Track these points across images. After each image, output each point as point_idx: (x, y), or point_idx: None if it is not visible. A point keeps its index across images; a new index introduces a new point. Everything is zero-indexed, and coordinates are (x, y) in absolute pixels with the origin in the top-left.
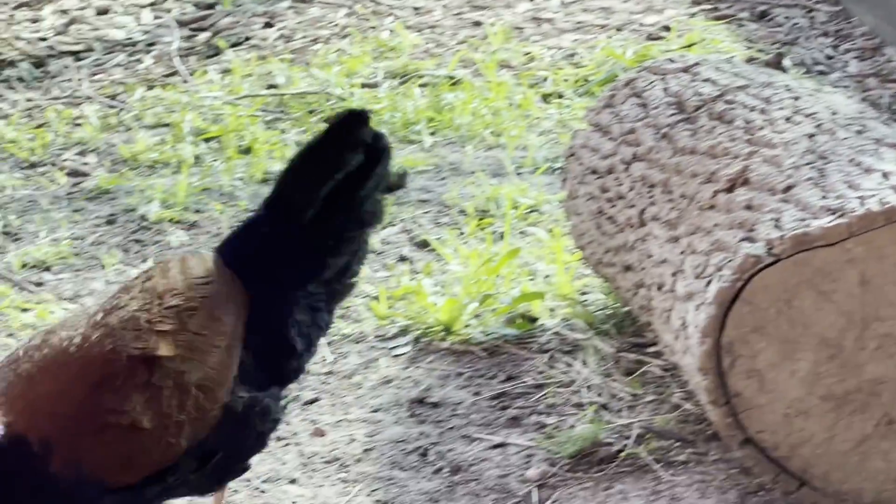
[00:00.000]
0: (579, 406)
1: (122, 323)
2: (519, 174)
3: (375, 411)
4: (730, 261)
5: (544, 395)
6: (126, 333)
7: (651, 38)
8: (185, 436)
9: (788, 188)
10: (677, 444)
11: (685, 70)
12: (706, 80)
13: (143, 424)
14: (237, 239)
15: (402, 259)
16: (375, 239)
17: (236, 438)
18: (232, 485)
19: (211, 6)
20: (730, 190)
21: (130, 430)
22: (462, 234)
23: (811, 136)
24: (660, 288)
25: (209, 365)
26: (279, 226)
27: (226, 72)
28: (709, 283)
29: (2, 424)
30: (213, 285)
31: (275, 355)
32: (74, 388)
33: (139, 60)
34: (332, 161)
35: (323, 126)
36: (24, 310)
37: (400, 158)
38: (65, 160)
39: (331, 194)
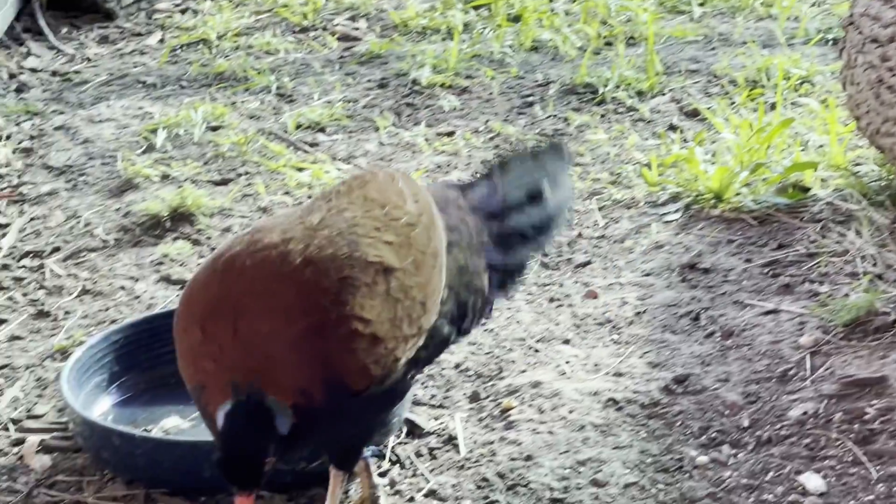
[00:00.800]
0: (853, 275)
1: (351, 228)
2: (790, 45)
3: (647, 275)
4: None
5: (817, 263)
6: (359, 239)
7: None
8: (405, 351)
9: None
10: None
11: None
12: None
13: (381, 335)
14: (445, 185)
15: (672, 128)
16: (645, 109)
17: (426, 361)
18: (507, 344)
19: None
20: None
21: (372, 339)
22: (733, 103)
23: None
24: None
25: (428, 283)
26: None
27: None
28: None
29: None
30: (427, 205)
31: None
32: (315, 291)
33: None
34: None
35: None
36: (300, 169)
37: (669, 28)
38: (336, 25)
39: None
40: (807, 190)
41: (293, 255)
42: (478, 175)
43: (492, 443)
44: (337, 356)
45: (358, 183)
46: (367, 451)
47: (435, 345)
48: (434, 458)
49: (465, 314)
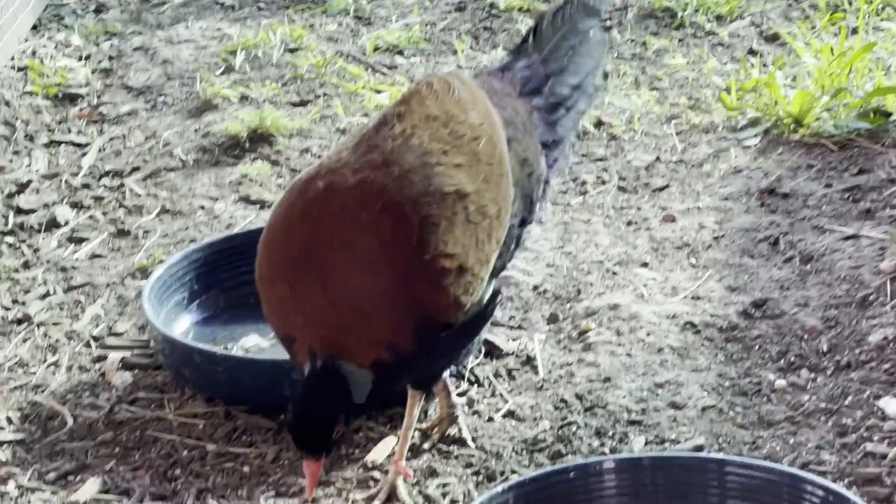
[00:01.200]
0: None
1: (421, 158)
2: None
3: (725, 200)
4: None
5: None
6: (431, 171)
7: None
8: (489, 269)
9: None
10: None
11: None
12: None
13: (468, 264)
14: (490, 74)
15: (752, 52)
16: (724, 33)
17: (501, 269)
18: (585, 266)
19: None
20: None
21: (459, 271)
22: (814, 28)
23: None
24: None
25: (498, 193)
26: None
27: None
28: None
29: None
30: (486, 109)
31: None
32: (398, 238)
33: None
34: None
35: None
36: (378, 91)
37: None
38: None
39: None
40: (888, 115)
41: (371, 201)
42: (513, 51)
43: (570, 364)
44: (429, 298)
45: (417, 101)
46: (446, 372)
47: (509, 250)
48: (513, 378)
49: (531, 206)
